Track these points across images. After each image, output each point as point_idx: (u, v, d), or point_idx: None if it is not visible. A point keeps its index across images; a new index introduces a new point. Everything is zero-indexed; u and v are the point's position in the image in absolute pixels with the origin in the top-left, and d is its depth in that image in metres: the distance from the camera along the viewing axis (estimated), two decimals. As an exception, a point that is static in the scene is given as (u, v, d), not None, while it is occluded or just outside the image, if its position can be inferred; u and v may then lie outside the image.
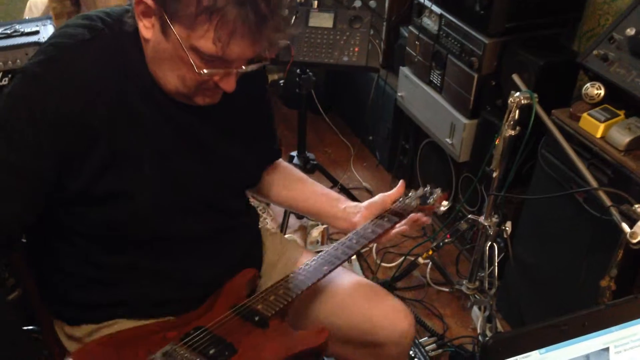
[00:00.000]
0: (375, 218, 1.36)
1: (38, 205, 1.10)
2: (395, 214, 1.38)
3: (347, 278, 1.36)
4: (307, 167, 2.59)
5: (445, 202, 1.48)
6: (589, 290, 1.72)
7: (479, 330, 2.07)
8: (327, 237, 2.55)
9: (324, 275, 1.23)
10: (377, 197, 1.42)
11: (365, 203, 1.41)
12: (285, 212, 2.54)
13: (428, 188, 1.51)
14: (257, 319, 1.15)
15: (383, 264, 2.47)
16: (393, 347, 1.27)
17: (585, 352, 0.73)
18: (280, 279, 1.24)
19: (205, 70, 1.04)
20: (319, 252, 1.31)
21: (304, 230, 2.63)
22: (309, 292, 1.25)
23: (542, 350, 0.70)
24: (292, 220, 2.63)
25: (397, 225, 1.36)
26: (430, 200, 1.46)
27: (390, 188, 1.47)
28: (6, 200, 1.06)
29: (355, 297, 1.31)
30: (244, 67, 1.08)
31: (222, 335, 1.12)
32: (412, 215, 1.38)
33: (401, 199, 1.44)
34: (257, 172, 1.39)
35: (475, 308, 2.19)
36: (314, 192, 1.46)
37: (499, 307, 2.07)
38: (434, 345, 2.10)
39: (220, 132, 1.23)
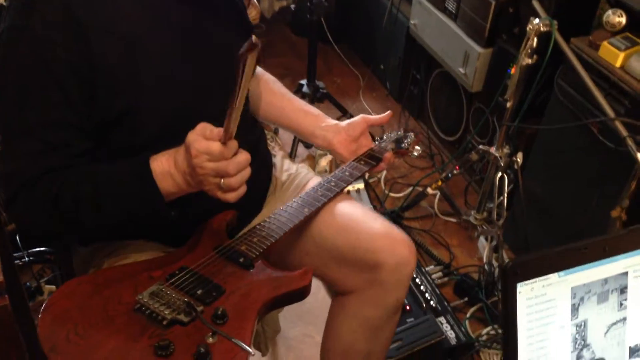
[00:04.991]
0: (352, 161, 1.38)
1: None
2: (371, 157, 1.39)
3: (352, 204, 1.36)
4: (317, 96, 2.56)
5: (417, 147, 1.51)
6: (598, 222, 1.72)
7: (485, 260, 2.09)
8: (335, 167, 2.55)
9: (305, 217, 1.25)
10: (357, 118, 1.41)
11: (345, 123, 1.41)
12: (294, 141, 2.53)
13: (401, 132, 1.52)
14: (241, 260, 1.15)
15: (391, 194, 2.48)
16: (391, 273, 1.24)
17: (604, 275, 0.73)
18: (262, 220, 1.24)
19: None
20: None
21: (312, 160, 2.62)
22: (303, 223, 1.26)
23: (561, 273, 0.70)
24: (300, 150, 2.62)
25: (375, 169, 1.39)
26: (405, 145, 1.48)
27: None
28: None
29: (359, 220, 1.30)
30: None
31: (209, 276, 1.11)
32: (387, 155, 1.40)
33: (377, 142, 1.45)
34: None
35: (481, 238, 2.21)
36: (293, 107, 1.45)
37: (506, 238, 2.09)
38: (440, 274, 2.13)
39: (212, 20, 1.20)
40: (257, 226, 1.23)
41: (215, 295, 1.07)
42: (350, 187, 2.37)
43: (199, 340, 0.98)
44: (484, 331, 1.94)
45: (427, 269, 2.13)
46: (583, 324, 0.73)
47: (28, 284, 1.91)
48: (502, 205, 1.97)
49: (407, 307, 1.92)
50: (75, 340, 0.97)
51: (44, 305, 1.02)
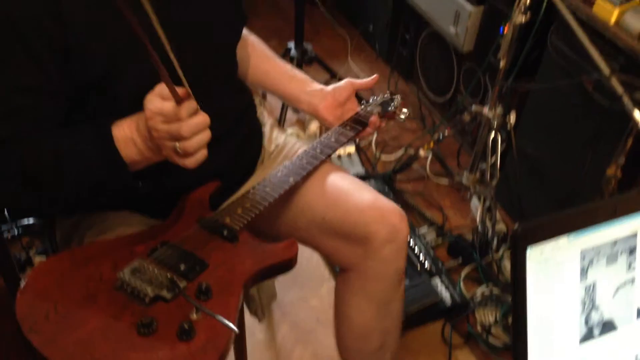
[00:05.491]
0: (338, 126, 1.35)
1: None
2: (357, 122, 1.37)
3: (340, 175, 1.33)
4: (305, 59, 2.51)
5: (404, 110, 1.48)
6: (592, 180, 1.72)
7: (478, 220, 2.09)
8: (325, 131, 2.52)
9: (290, 187, 1.22)
10: (343, 83, 1.39)
11: (331, 88, 1.38)
12: (283, 106, 2.49)
13: (387, 95, 1.49)
14: (225, 232, 1.12)
15: (383, 157, 2.46)
16: (384, 244, 1.22)
17: (613, 237, 0.72)
18: (245, 191, 1.21)
19: None
20: None
21: (302, 125, 2.59)
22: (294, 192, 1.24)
23: (571, 235, 0.69)
24: (289, 115, 2.59)
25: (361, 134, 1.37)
26: (391, 108, 1.45)
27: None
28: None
29: (348, 192, 1.28)
30: None
31: (191, 250, 1.08)
32: (372, 119, 1.37)
33: (363, 106, 1.43)
34: (237, 29, 1.31)
35: (474, 199, 2.21)
36: (279, 71, 1.42)
37: (498, 198, 2.09)
38: (433, 235, 2.14)
39: None
40: (241, 197, 1.19)
41: (198, 270, 1.04)
42: (341, 151, 2.36)
43: (183, 317, 0.95)
44: (479, 291, 1.95)
45: (420, 231, 2.13)
46: (592, 286, 0.72)
47: (18, 256, 1.89)
48: (495, 165, 1.96)
49: (402, 270, 1.92)
50: (55, 320, 0.94)
51: (21, 285, 0.98)
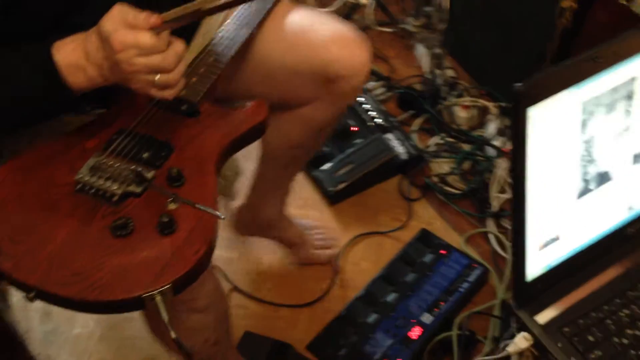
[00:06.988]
0: None
1: None
2: None
3: (294, 12, 1.21)
4: None
5: None
6: (545, 15, 1.66)
7: (426, 69, 2.03)
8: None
9: (245, 40, 1.11)
10: None
11: None
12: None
13: None
14: (184, 107, 1.01)
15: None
16: (349, 80, 1.16)
17: (613, 84, 0.67)
18: (196, 56, 1.09)
19: None
20: None
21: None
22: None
23: (573, 88, 0.63)
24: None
25: None
26: None
27: None
28: None
29: (307, 29, 1.17)
30: None
31: (152, 134, 0.98)
32: None
33: None
34: None
35: (419, 46, 2.12)
36: None
37: (444, 44, 2.01)
38: (382, 89, 2.06)
39: None
40: (192, 64, 1.07)
41: (164, 155, 0.95)
42: (276, 7, 2.19)
43: (160, 210, 0.87)
44: (431, 141, 1.93)
45: (367, 85, 2.05)
46: (591, 139, 0.68)
47: None
48: (443, 8, 1.86)
49: (355, 129, 1.87)
50: (20, 239, 0.85)
51: None
